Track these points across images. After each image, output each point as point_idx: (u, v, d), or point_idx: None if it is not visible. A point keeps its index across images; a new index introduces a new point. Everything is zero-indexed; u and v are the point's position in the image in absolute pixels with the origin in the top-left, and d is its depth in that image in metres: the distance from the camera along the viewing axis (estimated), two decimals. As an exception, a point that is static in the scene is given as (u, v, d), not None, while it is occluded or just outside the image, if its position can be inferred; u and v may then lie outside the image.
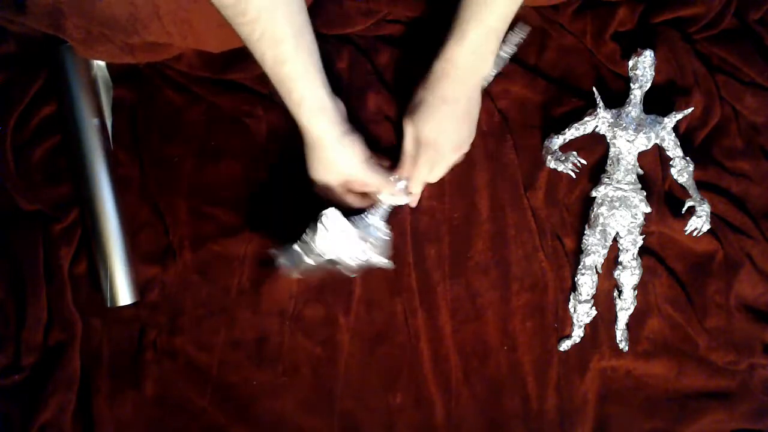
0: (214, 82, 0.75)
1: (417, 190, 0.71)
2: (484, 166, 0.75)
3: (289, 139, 0.74)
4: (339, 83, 0.75)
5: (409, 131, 0.68)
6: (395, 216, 0.73)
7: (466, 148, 0.69)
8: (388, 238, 0.68)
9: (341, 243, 0.65)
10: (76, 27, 0.66)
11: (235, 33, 0.59)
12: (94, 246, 0.71)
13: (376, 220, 0.68)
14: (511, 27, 0.68)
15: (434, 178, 0.70)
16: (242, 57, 0.74)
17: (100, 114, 0.72)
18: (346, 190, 0.69)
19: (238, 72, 0.74)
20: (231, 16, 0.57)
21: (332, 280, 0.72)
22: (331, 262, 0.67)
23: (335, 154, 0.65)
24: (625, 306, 0.73)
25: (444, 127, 0.66)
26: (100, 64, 0.73)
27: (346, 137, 0.65)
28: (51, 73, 0.73)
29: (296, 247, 0.65)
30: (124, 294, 0.70)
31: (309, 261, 0.65)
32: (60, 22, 0.65)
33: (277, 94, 0.63)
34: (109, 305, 0.70)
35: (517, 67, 0.76)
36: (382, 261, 0.68)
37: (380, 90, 0.75)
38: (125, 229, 0.71)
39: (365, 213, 0.69)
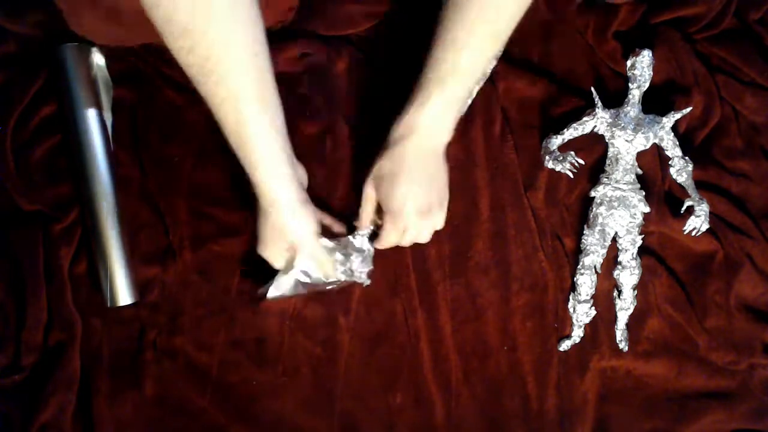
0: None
1: (382, 247, 0.69)
2: (484, 166, 0.75)
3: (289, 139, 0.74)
4: (339, 83, 0.75)
5: (369, 197, 0.66)
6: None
7: (438, 215, 0.66)
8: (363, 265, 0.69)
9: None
10: None
11: None
12: (94, 246, 0.71)
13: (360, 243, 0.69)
14: None
15: (408, 242, 0.67)
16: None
17: (100, 114, 0.72)
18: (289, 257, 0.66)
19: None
20: (195, 75, 0.54)
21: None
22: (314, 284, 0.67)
23: (287, 221, 0.62)
24: (625, 306, 0.73)
25: (406, 194, 0.63)
26: (100, 64, 0.73)
27: (301, 206, 0.62)
28: (51, 73, 0.73)
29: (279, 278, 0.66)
30: (124, 294, 0.70)
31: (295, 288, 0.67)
32: None
33: (236, 157, 0.60)
34: (109, 305, 0.70)
35: (519, 66, 0.76)
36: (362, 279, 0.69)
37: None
38: (125, 229, 0.71)
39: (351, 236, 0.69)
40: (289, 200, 0.61)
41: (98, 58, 0.73)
